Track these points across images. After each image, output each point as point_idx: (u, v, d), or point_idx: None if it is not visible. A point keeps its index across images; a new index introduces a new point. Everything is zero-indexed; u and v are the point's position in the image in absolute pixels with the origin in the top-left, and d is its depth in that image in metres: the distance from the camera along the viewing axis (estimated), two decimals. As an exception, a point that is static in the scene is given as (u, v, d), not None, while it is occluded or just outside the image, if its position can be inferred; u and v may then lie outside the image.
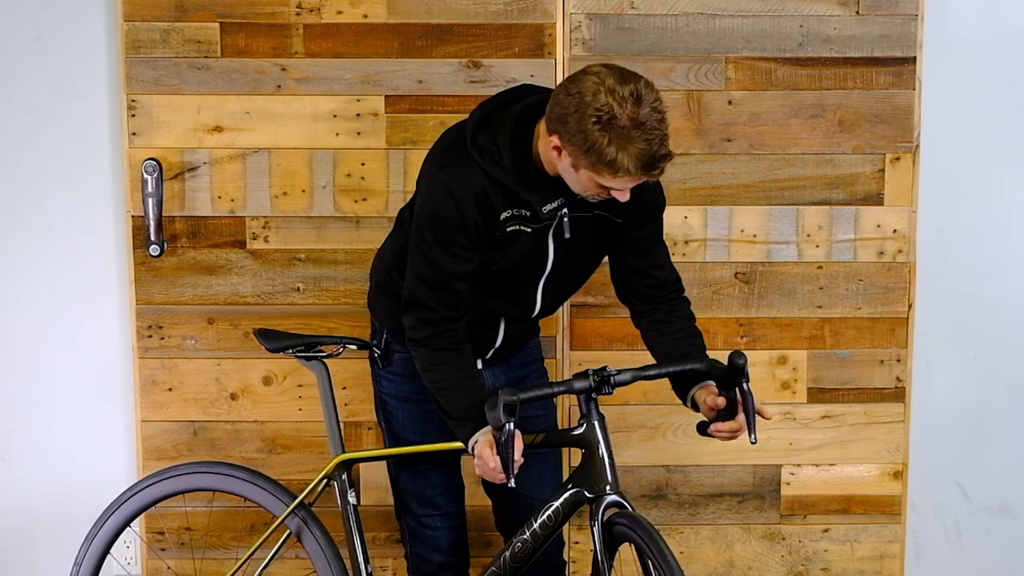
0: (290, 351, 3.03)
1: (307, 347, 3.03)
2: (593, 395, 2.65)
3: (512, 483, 2.58)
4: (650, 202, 2.77)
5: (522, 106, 2.65)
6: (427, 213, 2.64)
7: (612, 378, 2.63)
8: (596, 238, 2.77)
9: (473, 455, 2.68)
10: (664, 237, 2.90)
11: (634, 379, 2.66)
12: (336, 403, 3.02)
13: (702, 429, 2.74)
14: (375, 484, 3.50)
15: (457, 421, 2.70)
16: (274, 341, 3.05)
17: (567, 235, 2.70)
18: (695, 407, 2.74)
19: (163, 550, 3.54)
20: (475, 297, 2.74)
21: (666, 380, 3.21)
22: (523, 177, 2.60)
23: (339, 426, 3.00)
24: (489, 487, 3.01)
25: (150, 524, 3.53)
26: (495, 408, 2.54)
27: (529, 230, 2.67)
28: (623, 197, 2.56)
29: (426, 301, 2.66)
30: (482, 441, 2.64)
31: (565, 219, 2.68)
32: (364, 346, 3.06)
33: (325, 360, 3.03)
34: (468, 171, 2.61)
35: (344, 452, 2.98)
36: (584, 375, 2.64)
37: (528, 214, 2.66)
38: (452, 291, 2.66)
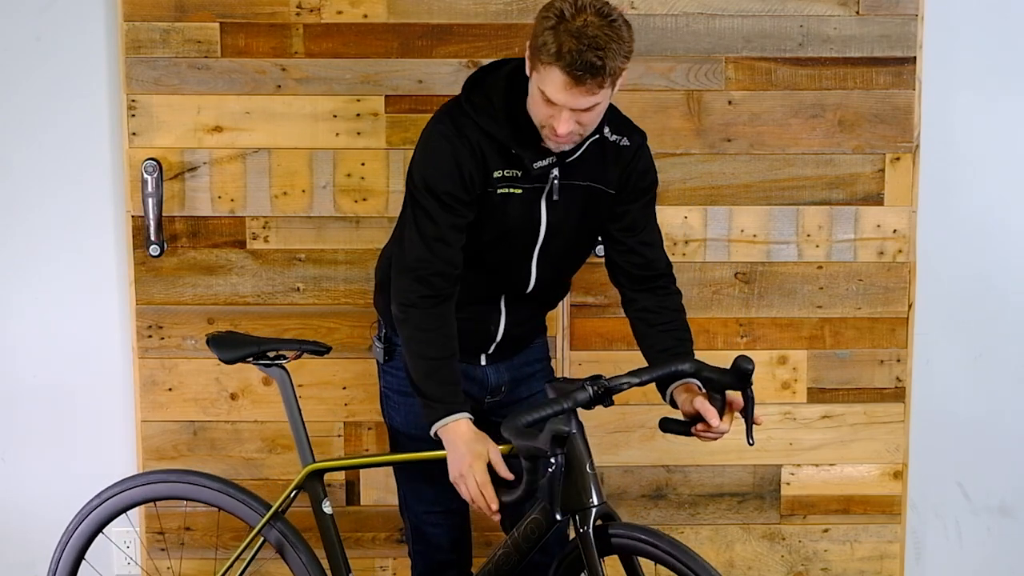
0: (249, 359, 2.92)
1: (263, 354, 2.92)
2: (591, 407, 2.58)
3: (559, 515, 2.57)
4: (641, 172, 2.79)
5: (512, 65, 2.71)
6: (424, 164, 2.67)
7: (611, 389, 2.57)
8: (588, 210, 2.77)
9: (434, 438, 2.64)
10: (663, 234, 2.91)
11: (628, 387, 2.60)
12: (301, 410, 2.94)
13: (678, 429, 2.70)
14: (375, 484, 3.50)
15: (426, 399, 2.64)
16: (228, 351, 2.92)
17: (556, 198, 2.71)
18: (674, 404, 2.72)
19: (163, 550, 3.54)
20: (471, 274, 2.73)
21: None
22: (516, 131, 2.65)
23: (307, 434, 2.92)
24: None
25: (150, 524, 3.53)
26: (533, 438, 2.44)
27: (520, 191, 2.69)
28: (563, 126, 2.53)
29: (423, 255, 2.64)
30: (479, 467, 2.59)
31: (555, 182, 2.70)
32: (323, 351, 2.98)
33: (286, 366, 2.94)
34: (463, 125, 2.66)
35: (314, 461, 2.91)
36: (583, 388, 2.56)
37: (519, 174, 2.68)
38: (447, 243, 2.65)
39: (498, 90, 2.67)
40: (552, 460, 2.53)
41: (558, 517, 2.57)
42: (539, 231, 2.75)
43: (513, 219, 2.72)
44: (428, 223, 2.65)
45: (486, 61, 3.35)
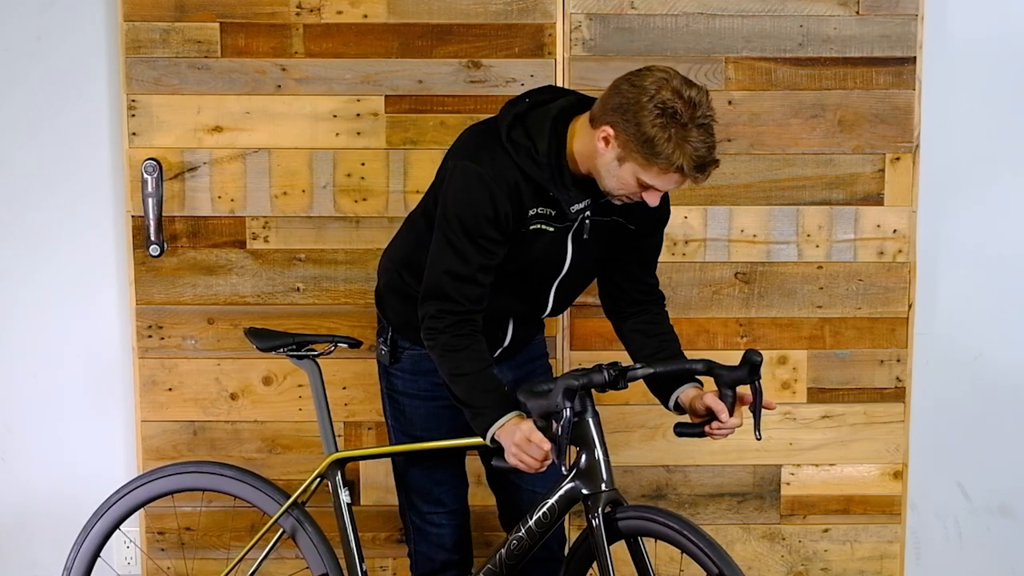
0: (281, 350, 3.02)
1: (298, 346, 3.02)
2: (604, 390, 2.64)
3: (564, 469, 2.58)
4: (663, 209, 2.82)
5: (558, 106, 2.67)
6: (459, 204, 2.63)
7: (625, 370, 2.63)
8: (608, 243, 2.80)
9: (491, 445, 2.65)
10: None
11: (643, 375, 2.65)
12: (328, 402, 3.01)
13: (692, 432, 2.73)
14: (375, 484, 3.50)
15: (476, 409, 2.66)
16: (265, 340, 3.04)
17: (586, 236, 2.71)
18: (678, 409, 2.76)
19: (163, 550, 3.54)
20: (490, 296, 2.75)
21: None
22: (556, 175, 2.63)
23: (332, 425, 3.00)
24: (493, 482, 3.01)
25: (150, 524, 3.53)
26: (546, 396, 2.52)
27: (551, 229, 2.69)
28: (653, 200, 2.58)
29: (450, 294, 2.65)
30: (525, 427, 2.59)
31: (587, 221, 2.70)
32: (355, 344, 3.06)
33: (317, 359, 3.02)
34: (503, 164, 2.63)
35: (337, 451, 2.98)
36: (599, 369, 2.62)
37: (553, 213, 2.68)
38: (476, 283, 2.66)
39: (543, 134, 2.63)
40: (564, 413, 2.53)
41: (563, 470, 2.59)
42: (563, 265, 2.76)
43: (540, 254, 2.72)
44: (460, 263, 2.64)
45: (486, 61, 3.37)
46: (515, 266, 2.72)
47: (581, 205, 2.66)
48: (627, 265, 2.87)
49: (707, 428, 2.69)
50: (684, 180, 2.53)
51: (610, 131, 2.52)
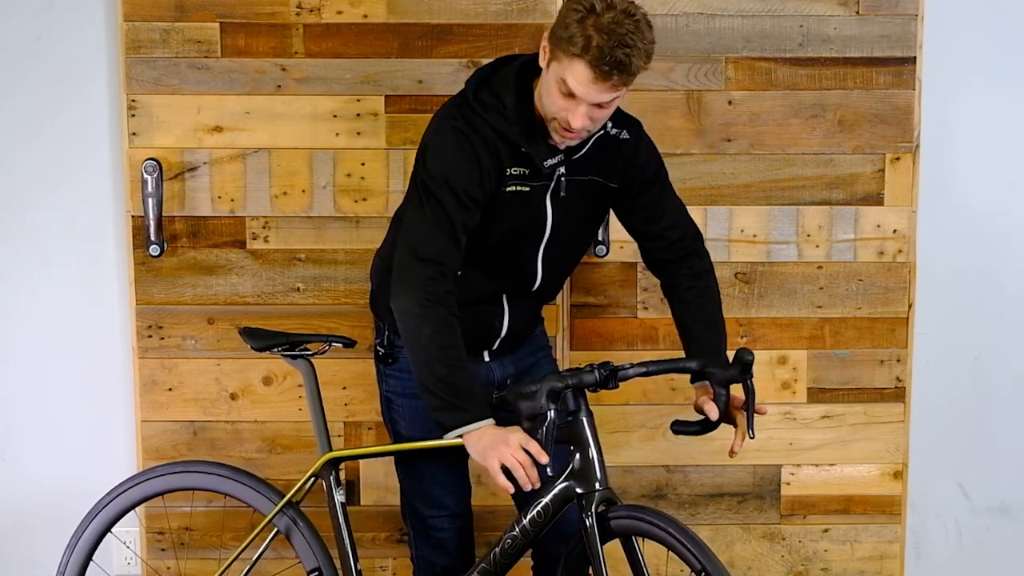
0: (275, 350, 3.01)
1: (292, 345, 3.01)
2: (595, 389, 2.64)
3: (549, 471, 2.57)
4: (643, 164, 2.82)
5: (520, 62, 2.71)
6: (444, 162, 2.64)
7: (616, 370, 2.63)
8: (592, 204, 2.81)
9: (453, 440, 2.63)
10: (676, 195, 2.94)
11: (634, 375, 2.66)
12: (323, 402, 3.00)
13: (689, 430, 2.74)
14: (376, 484, 3.50)
15: (457, 398, 2.61)
16: (259, 340, 3.03)
17: (562, 195, 2.72)
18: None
19: (163, 550, 3.54)
20: (477, 275, 2.74)
21: (668, 379, 3.20)
22: (527, 129, 2.65)
23: (326, 424, 2.99)
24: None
25: (150, 524, 3.53)
26: (532, 398, 2.52)
27: (527, 189, 2.70)
28: (577, 120, 2.55)
29: (443, 248, 2.63)
30: (520, 435, 2.58)
31: (563, 180, 2.71)
32: (349, 344, 3.06)
33: (311, 359, 3.01)
34: (477, 124, 2.65)
35: (331, 450, 2.97)
36: (590, 369, 2.62)
37: (528, 172, 2.69)
38: (458, 242, 2.65)
39: (508, 88, 2.66)
40: (548, 415, 2.53)
41: (549, 472, 2.58)
42: (545, 228, 2.76)
43: (520, 217, 2.73)
44: (445, 220, 2.63)
45: (486, 61, 3.36)
46: (498, 234, 2.72)
47: (554, 160, 2.68)
48: (636, 226, 2.91)
49: (730, 451, 2.74)
50: (595, 79, 2.50)
51: (545, 42, 2.57)
